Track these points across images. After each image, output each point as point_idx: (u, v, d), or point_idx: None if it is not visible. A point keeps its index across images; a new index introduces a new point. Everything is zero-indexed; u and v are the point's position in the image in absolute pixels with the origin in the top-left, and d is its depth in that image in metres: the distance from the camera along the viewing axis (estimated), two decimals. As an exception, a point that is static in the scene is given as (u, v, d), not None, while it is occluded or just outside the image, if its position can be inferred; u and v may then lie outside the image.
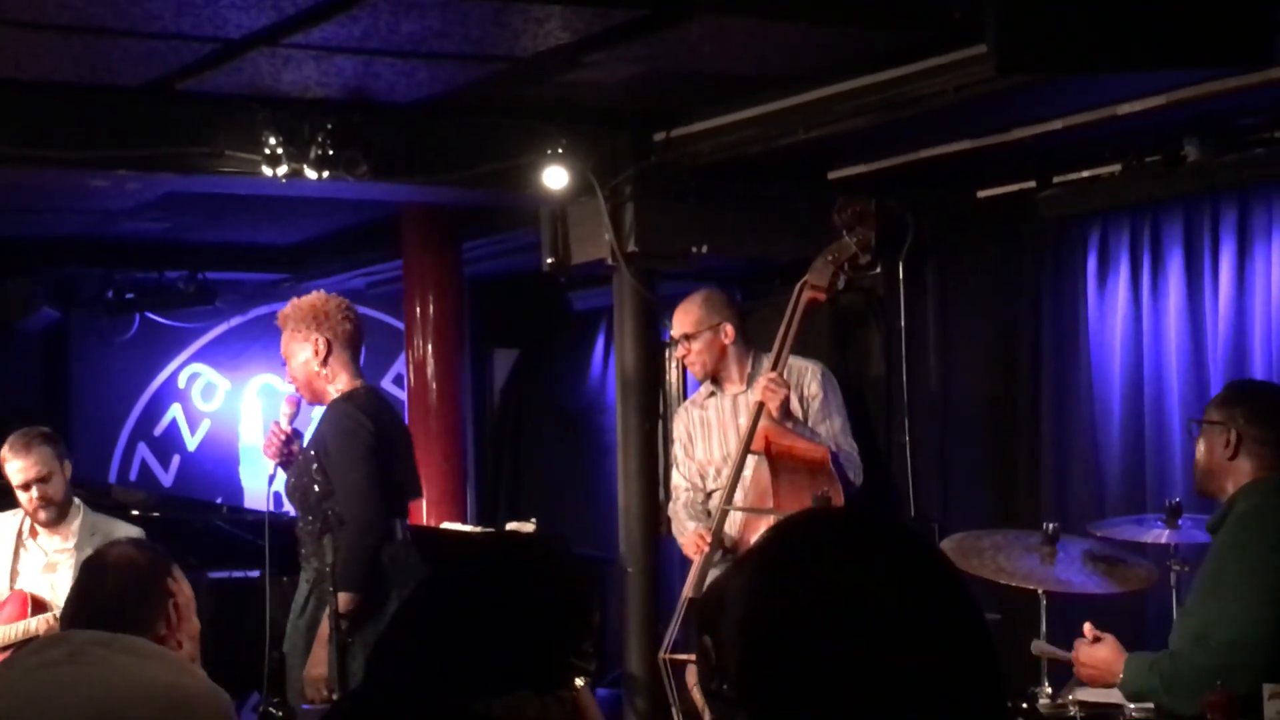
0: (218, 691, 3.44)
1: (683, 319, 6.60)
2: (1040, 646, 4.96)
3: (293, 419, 6.00)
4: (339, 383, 5.89)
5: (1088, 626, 4.63)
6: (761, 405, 6.26)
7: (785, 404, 6.26)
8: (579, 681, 2.78)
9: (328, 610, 5.61)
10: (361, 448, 5.75)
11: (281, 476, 6.01)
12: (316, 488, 5.80)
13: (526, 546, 3.10)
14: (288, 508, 6.43)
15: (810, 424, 6.42)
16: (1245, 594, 4.29)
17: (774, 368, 6.32)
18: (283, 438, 5.93)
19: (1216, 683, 4.14)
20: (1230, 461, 4.52)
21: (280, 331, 6.02)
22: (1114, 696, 4.67)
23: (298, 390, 5.99)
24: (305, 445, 5.92)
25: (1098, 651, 4.54)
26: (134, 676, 3.24)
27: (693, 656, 6.14)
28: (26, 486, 6.22)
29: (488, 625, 2.70)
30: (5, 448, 6.28)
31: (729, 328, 6.56)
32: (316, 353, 5.88)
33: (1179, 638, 4.47)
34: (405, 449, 6.04)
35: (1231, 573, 4.35)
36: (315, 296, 6.02)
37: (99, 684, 3.22)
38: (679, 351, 6.69)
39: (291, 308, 6.00)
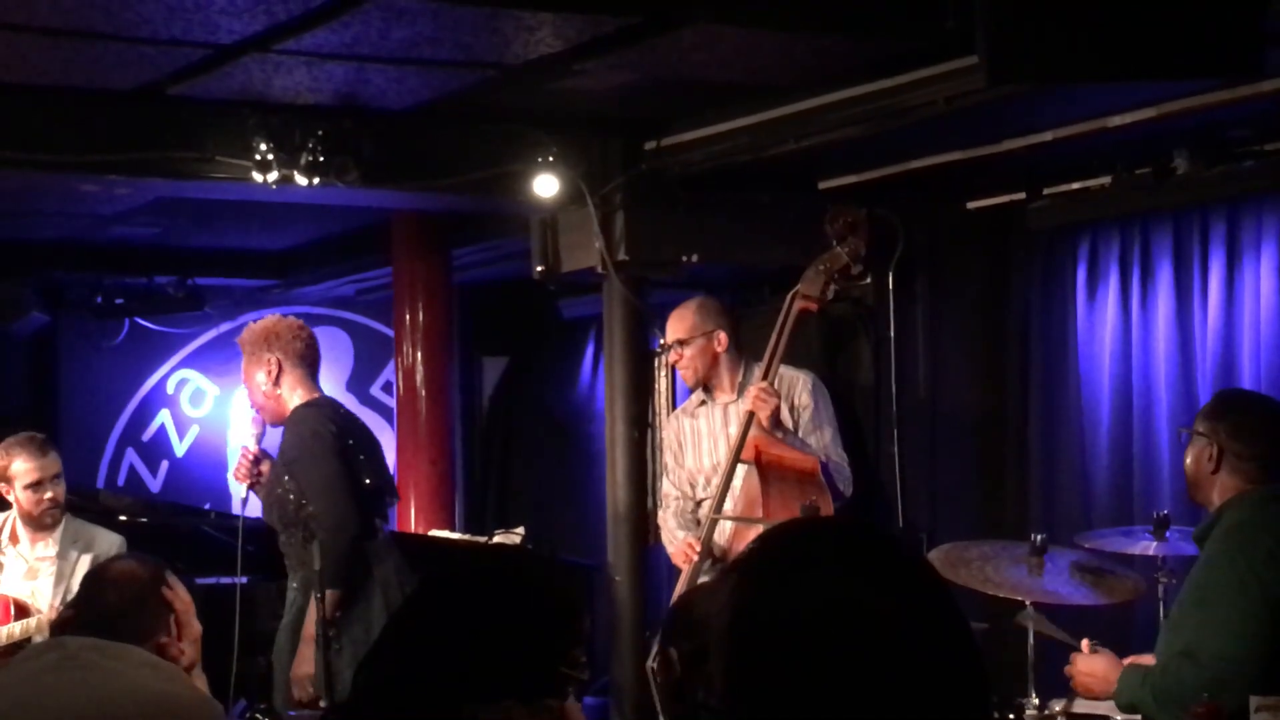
0: (209, 701, 3.46)
1: (676, 325, 6.60)
2: (1041, 623, 4.96)
3: (259, 439, 6.07)
4: (295, 398, 5.96)
5: (1085, 642, 4.64)
6: (752, 415, 6.25)
7: (775, 414, 6.26)
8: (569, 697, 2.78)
9: (310, 609, 5.64)
10: (324, 447, 5.81)
11: (254, 502, 6.06)
12: (291, 497, 5.84)
13: (512, 556, 3.11)
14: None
15: (801, 434, 6.42)
16: (1233, 608, 4.28)
17: (765, 377, 6.31)
18: (251, 458, 6.02)
19: (1204, 695, 4.14)
20: (1213, 475, 4.51)
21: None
22: (1104, 708, 4.67)
23: (259, 412, 6.04)
24: (274, 461, 5.97)
25: (1095, 662, 4.55)
26: (126, 684, 3.25)
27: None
28: (40, 485, 6.22)
29: (474, 635, 2.70)
30: (12, 449, 6.26)
31: (722, 335, 6.56)
32: (269, 373, 5.96)
33: (1167, 652, 4.46)
34: (373, 453, 6.08)
35: (1219, 587, 4.35)
36: (268, 319, 6.13)
37: (91, 690, 3.23)
38: (671, 357, 6.69)
39: (247, 331, 6.12)
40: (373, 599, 5.75)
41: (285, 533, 5.92)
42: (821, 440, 6.44)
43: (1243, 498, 4.45)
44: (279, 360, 5.96)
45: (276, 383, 5.97)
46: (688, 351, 6.56)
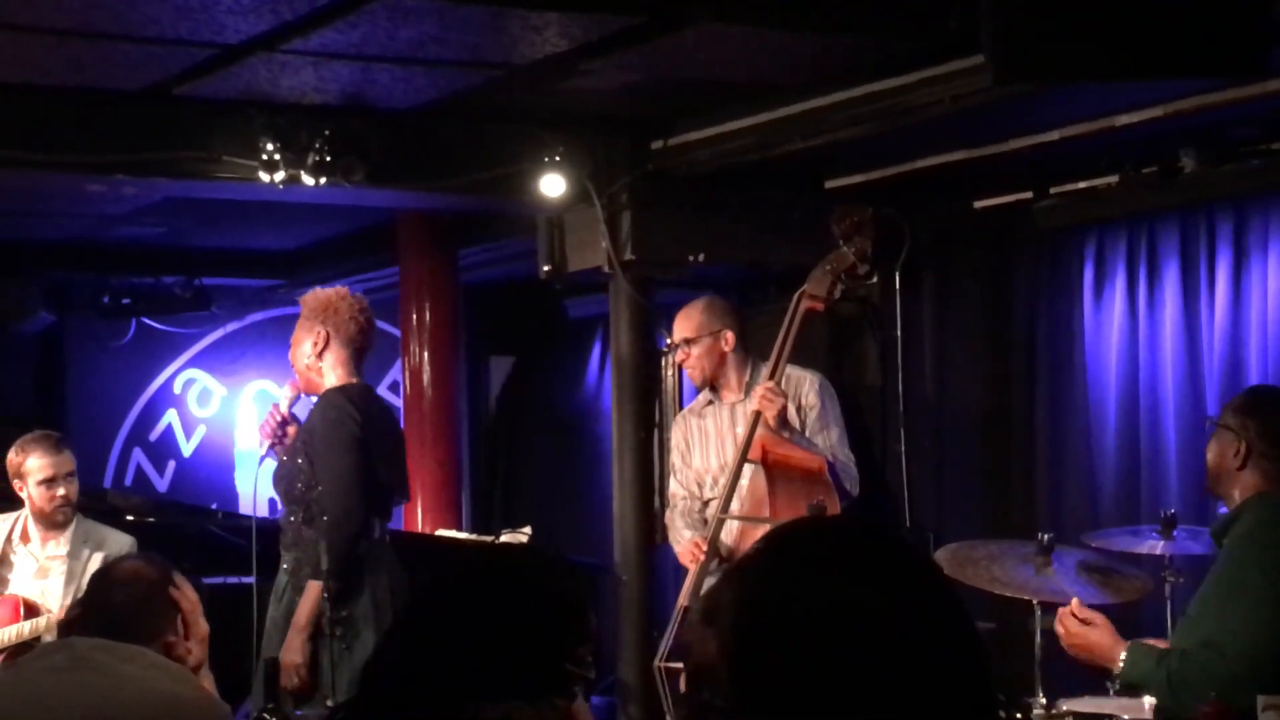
0: (216, 701, 3.46)
1: (684, 324, 6.60)
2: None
3: (292, 404, 6.03)
4: (333, 377, 5.91)
5: (1075, 601, 4.58)
6: (759, 414, 6.26)
7: (782, 413, 6.26)
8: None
9: (304, 597, 5.64)
10: (345, 436, 5.76)
11: (269, 467, 6.03)
12: (302, 476, 5.80)
13: (519, 555, 3.12)
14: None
15: (807, 434, 6.42)
16: (1262, 606, 4.25)
17: (771, 377, 6.32)
18: (278, 419, 5.98)
19: (1210, 693, 4.13)
20: (1238, 471, 4.49)
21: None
22: (1110, 707, 4.66)
23: (297, 377, 6.02)
24: (300, 430, 5.94)
25: (1091, 634, 4.50)
26: (133, 684, 3.26)
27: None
28: (53, 482, 6.23)
29: (480, 634, 2.70)
30: (27, 445, 6.28)
31: (730, 335, 6.56)
32: (315, 344, 5.92)
33: (1184, 642, 4.44)
34: (394, 450, 6.04)
35: (1247, 584, 4.31)
36: (333, 290, 6.06)
37: (98, 690, 3.24)
38: (678, 356, 6.68)
39: (310, 295, 6.07)
40: (362, 596, 5.71)
41: (287, 508, 5.90)
42: (828, 440, 6.44)
43: (1265, 497, 4.43)
44: (328, 335, 5.91)
45: (320, 356, 5.91)
46: (695, 351, 6.56)
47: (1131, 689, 4.42)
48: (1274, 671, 4.19)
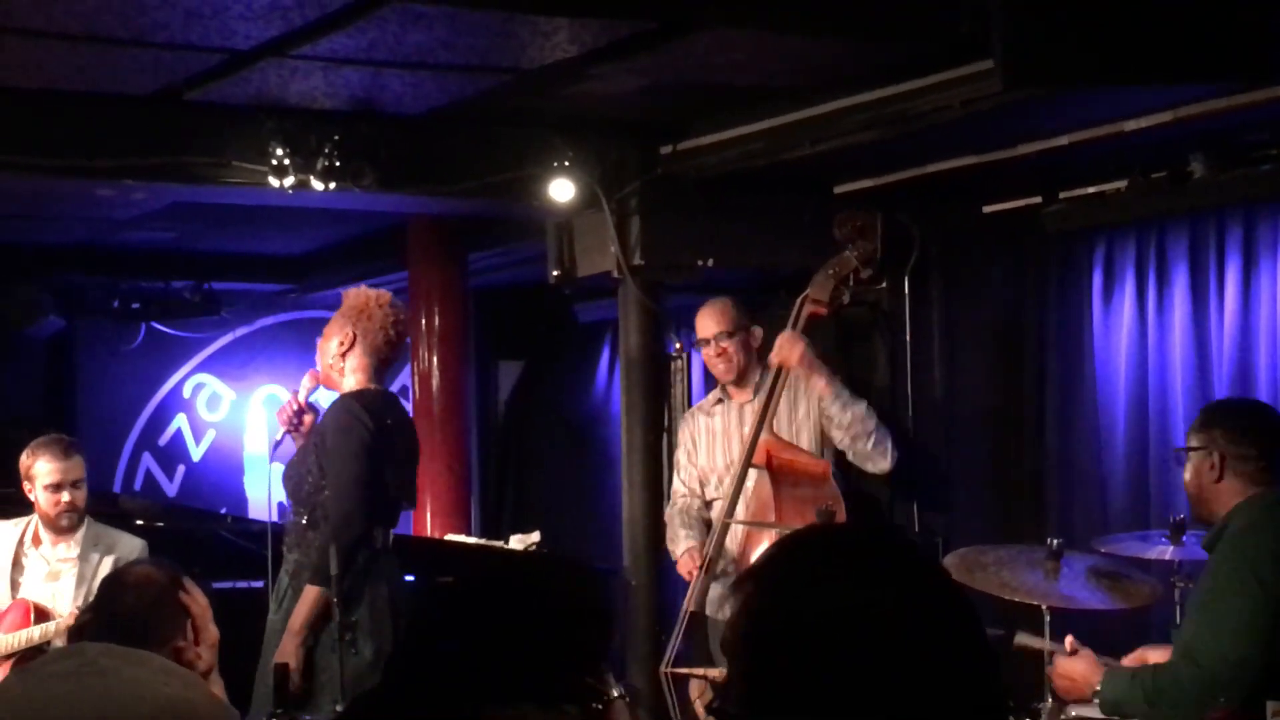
0: (226, 707, 3.46)
1: (719, 318, 6.56)
2: (1021, 640, 4.95)
3: (310, 393, 6.02)
4: (352, 380, 5.89)
5: (1069, 639, 4.63)
6: (763, 418, 6.26)
7: (805, 356, 6.28)
8: (615, 693, 2.79)
9: (301, 601, 5.63)
10: (354, 444, 5.73)
11: (280, 466, 6.03)
12: (310, 478, 5.79)
13: (535, 559, 3.12)
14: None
15: (834, 416, 6.43)
16: (1232, 610, 4.28)
17: (776, 379, 6.33)
18: (295, 408, 5.97)
19: (1220, 699, 4.13)
20: (1218, 484, 4.50)
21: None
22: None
23: (320, 370, 6.01)
24: (312, 432, 5.92)
25: (1075, 664, 4.54)
26: (142, 690, 3.26)
27: (695, 670, 6.14)
28: (59, 488, 6.25)
29: (495, 637, 2.70)
30: (38, 449, 6.30)
31: (758, 331, 6.60)
32: (341, 344, 5.89)
33: (1170, 654, 4.47)
34: (405, 458, 6.01)
35: (1220, 589, 4.35)
36: (374, 294, 6.02)
37: (107, 696, 3.23)
38: (713, 350, 6.59)
39: (352, 293, 6.03)
40: (360, 605, 5.69)
41: (294, 508, 5.89)
42: (857, 412, 6.42)
43: (1251, 502, 4.45)
44: (355, 337, 5.87)
45: (343, 356, 5.89)
46: (731, 344, 6.53)
47: (1114, 712, 4.44)
48: (1251, 673, 4.20)
